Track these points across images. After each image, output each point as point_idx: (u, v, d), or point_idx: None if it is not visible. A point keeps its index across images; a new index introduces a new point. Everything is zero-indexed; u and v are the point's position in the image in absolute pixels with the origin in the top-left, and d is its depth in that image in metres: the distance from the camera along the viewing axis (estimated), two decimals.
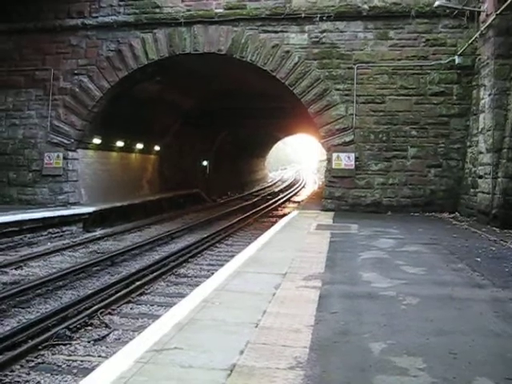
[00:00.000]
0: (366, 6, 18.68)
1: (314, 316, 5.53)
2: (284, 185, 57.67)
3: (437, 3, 16.34)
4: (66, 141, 20.72)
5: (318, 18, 19.02)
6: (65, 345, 7.83)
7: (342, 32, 18.99)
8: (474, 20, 17.19)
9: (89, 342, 8.03)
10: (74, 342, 7.95)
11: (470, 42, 17.40)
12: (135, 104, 22.96)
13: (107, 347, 7.80)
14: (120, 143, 24.41)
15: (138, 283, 11.51)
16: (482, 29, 15.95)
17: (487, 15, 15.63)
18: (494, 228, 13.90)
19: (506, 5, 14.08)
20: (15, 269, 13.23)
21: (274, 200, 36.56)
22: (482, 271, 8.13)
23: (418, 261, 9.00)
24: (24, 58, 21.34)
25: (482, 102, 15.96)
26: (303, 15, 19.08)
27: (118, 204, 22.14)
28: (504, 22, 14.73)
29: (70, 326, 8.41)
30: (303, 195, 43.86)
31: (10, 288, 10.75)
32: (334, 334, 4.97)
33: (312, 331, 5.03)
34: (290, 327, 5.15)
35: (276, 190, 50.34)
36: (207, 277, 9.17)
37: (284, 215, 20.57)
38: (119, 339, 8.18)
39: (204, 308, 5.79)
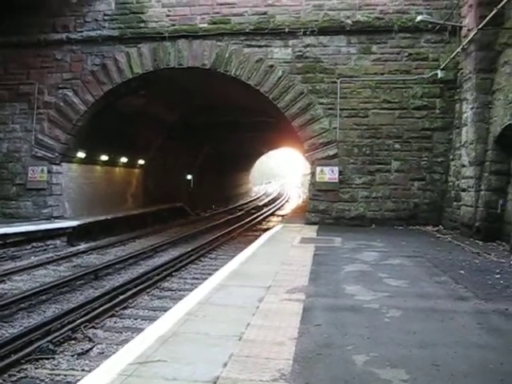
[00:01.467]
0: (349, 21, 18.86)
1: (298, 329, 5.55)
2: (268, 199, 57.73)
3: (419, 18, 16.55)
4: (50, 154, 20.63)
5: (301, 33, 19.17)
6: (48, 359, 7.77)
7: (325, 46, 19.15)
8: (456, 35, 17.40)
9: (72, 356, 7.97)
10: (57, 356, 7.89)
11: (452, 56, 17.60)
12: (119, 118, 22.94)
13: (91, 361, 7.74)
14: (104, 157, 24.35)
15: (121, 297, 11.44)
16: (464, 43, 16.15)
17: (468, 30, 15.84)
18: (478, 241, 13.99)
19: (486, 20, 14.28)
20: None
21: (258, 214, 36.59)
22: (465, 283, 8.18)
23: (402, 273, 9.04)
24: (8, 72, 21.25)
25: (465, 115, 16.12)
26: (287, 30, 19.22)
27: (102, 218, 22.04)
28: (485, 37, 14.93)
29: (54, 340, 8.36)
30: (287, 209, 43.91)
31: None
32: (318, 347, 4.98)
33: (295, 343, 5.04)
34: (273, 340, 5.16)
35: (260, 203, 50.39)
36: (191, 290, 9.11)
37: (268, 229, 20.56)
38: (103, 353, 8.12)
39: (188, 321, 5.78)
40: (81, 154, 22.20)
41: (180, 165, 34.78)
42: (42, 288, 11.92)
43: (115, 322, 10.01)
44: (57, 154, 20.71)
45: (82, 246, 19.55)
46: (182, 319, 5.85)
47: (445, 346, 5.11)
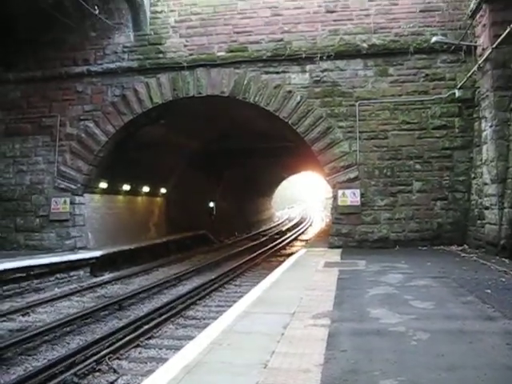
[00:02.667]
0: (365, 45, 18.95)
1: (324, 355, 5.46)
2: (291, 223, 57.50)
3: (434, 39, 16.63)
4: (72, 186, 20.83)
5: (318, 58, 19.30)
6: None
7: (342, 70, 19.23)
8: (472, 54, 17.42)
9: None
10: None
11: (468, 75, 17.58)
12: (140, 147, 23.12)
13: None
14: (126, 187, 24.52)
15: (146, 327, 11.41)
16: (480, 62, 16.13)
17: (483, 49, 15.85)
18: (504, 259, 13.79)
19: (500, 39, 14.33)
20: (22, 315, 13.18)
21: (281, 239, 36.45)
22: (492, 303, 8.04)
23: (428, 295, 8.91)
24: (31, 106, 21.62)
25: (484, 133, 16.03)
26: (304, 55, 19.37)
27: (125, 247, 22.11)
28: (500, 56, 14.92)
29: (78, 373, 8.36)
30: (311, 233, 43.75)
31: (17, 335, 10.66)
32: (344, 373, 4.90)
33: (321, 370, 4.97)
34: (299, 367, 5.09)
35: (283, 228, 50.17)
36: (216, 318, 9.06)
37: (292, 254, 20.46)
38: None
39: (212, 350, 5.74)
40: (103, 185, 22.40)
41: (202, 192, 34.88)
42: (65, 320, 11.93)
43: (140, 353, 9.98)
44: (79, 185, 20.91)
45: (106, 277, 19.63)
46: (207, 348, 5.80)
47: (474, 369, 5.00)
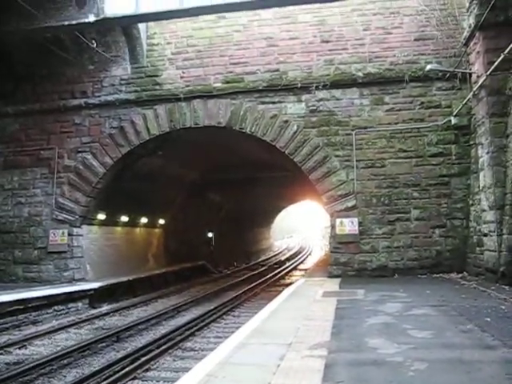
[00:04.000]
0: (360, 74, 19.11)
1: None
2: (290, 253, 57.39)
3: (429, 67, 16.79)
4: (70, 217, 20.84)
5: (314, 88, 19.45)
6: None
7: (338, 99, 19.36)
8: (467, 81, 17.53)
9: None
10: None
11: (464, 102, 17.71)
12: (138, 179, 23.19)
13: None
14: (124, 218, 24.51)
15: (143, 359, 11.29)
16: (475, 89, 16.27)
17: (478, 76, 16.00)
18: (503, 286, 13.72)
19: (494, 65, 14.49)
20: (19, 348, 13.07)
21: (280, 269, 36.31)
22: (492, 331, 7.97)
23: (426, 324, 8.84)
24: (29, 139, 21.78)
25: (481, 160, 16.07)
26: (299, 85, 19.53)
27: (124, 279, 21.99)
28: (495, 82, 15.05)
29: None
30: (310, 262, 43.58)
31: (13, 368, 10.55)
32: None
33: None
34: None
35: (282, 258, 50.05)
36: (214, 350, 9.02)
37: (291, 283, 20.36)
38: None
39: (208, 382, 5.68)
40: (101, 216, 22.39)
41: (200, 223, 34.87)
42: (62, 352, 11.82)
43: None
44: (77, 217, 20.91)
45: (104, 308, 19.49)
46: (202, 380, 5.74)
47: None
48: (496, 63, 14.37)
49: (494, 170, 15.00)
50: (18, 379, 9.98)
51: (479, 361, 6.32)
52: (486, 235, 15.66)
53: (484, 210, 15.85)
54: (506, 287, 13.50)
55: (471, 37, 16.48)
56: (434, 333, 8.06)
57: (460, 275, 17.19)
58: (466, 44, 17.08)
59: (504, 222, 14.50)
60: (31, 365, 10.67)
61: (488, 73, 14.92)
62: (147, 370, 10.82)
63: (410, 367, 6.09)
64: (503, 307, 10.47)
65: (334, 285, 16.01)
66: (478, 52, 15.90)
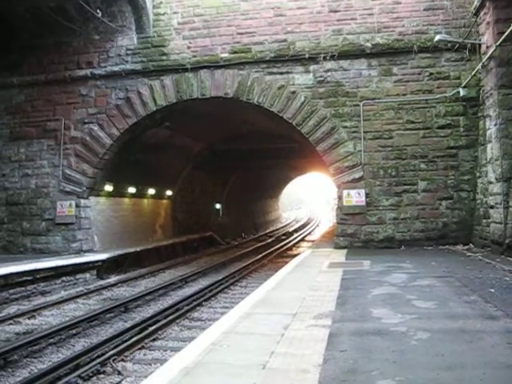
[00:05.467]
0: (368, 44, 18.94)
1: (323, 355, 5.45)
2: (298, 224, 57.52)
3: (438, 38, 16.54)
4: (78, 189, 20.91)
5: (321, 58, 19.30)
6: None
7: (346, 70, 19.23)
8: (476, 52, 17.32)
9: None
10: None
11: (473, 73, 17.56)
12: (145, 150, 23.21)
13: None
14: (132, 189, 24.57)
15: (151, 329, 11.42)
16: (484, 60, 16.08)
17: (487, 47, 15.78)
18: (509, 258, 13.74)
19: (504, 36, 14.28)
20: (28, 318, 13.20)
21: (288, 240, 36.49)
22: (495, 302, 8.01)
23: (431, 295, 8.88)
24: (35, 110, 21.74)
25: (489, 132, 15.97)
26: (307, 56, 19.37)
27: (132, 250, 22.12)
28: (504, 53, 14.87)
29: (82, 375, 8.36)
30: (317, 234, 43.69)
31: (23, 338, 10.68)
32: (342, 373, 4.89)
33: (320, 371, 4.96)
34: (297, 367, 5.08)
35: (290, 229, 50.18)
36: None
37: (298, 255, 20.46)
38: None
39: (212, 351, 5.74)
40: (108, 187, 22.46)
41: (208, 194, 34.96)
42: (71, 322, 11.96)
43: (145, 355, 9.98)
44: (84, 188, 20.98)
45: (112, 279, 19.65)
46: (207, 349, 5.81)
47: (473, 368, 4.98)
48: (506, 33, 14.13)
49: (502, 142, 14.90)
50: (28, 348, 10.10)
51: (481, 331, 6.36)
52: (492, 207, 15.64)
53: (491, 182, 15.80)
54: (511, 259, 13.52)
55: (481, 6, 16.22)
56: (438, 303, 8.10)
57: (466, 247, 17.23)
58: (476, 14, 16.83)
59: (510, 194, 14.47)
60: (40, 334, 10.80)
61: (498, 43, 14.71)
62: (155, 340, 10.95)
63: (412, 337, 6.14)
64: (507, 279, 10.50)
65: (340, 256, 16.08)
66: (488, 22, 15.67)
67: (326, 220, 63.50)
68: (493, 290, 9.12)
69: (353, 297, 8.89)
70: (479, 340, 5.95)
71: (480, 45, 16.78)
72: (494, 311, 7.45)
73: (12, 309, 14.36)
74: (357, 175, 18.75)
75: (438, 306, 7.95)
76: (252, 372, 4.97)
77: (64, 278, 17.86)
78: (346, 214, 18.77)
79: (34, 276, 16.38)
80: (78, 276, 18.57)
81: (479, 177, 17.58)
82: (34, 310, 13.88)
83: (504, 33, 14.27)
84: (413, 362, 5.22)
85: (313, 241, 34.37)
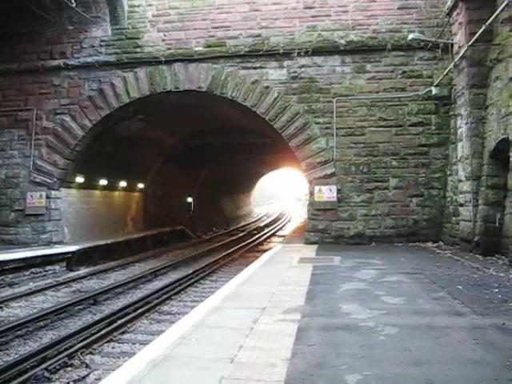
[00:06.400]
0: (342, 41, 19.02)
1: (291, 349, 5.47)
2: (270, 219, 57.64)
3: (411, 36, 16.69)
4: (48, 180, 20.65)
5: (296, 54, 19.33)
6: None
7: (320, 67, 19.29)
8: (448, 52, 17.55)
9: (68, 383, 7.91)
10: None
11: (445, 73, 17.78)
12: (118, 142, 23.02)
13: None
14: (103, 181, 24.37)
15: (120, 322, 11.38)
16: (456, 60, 16.31)
17: (460, 47, 16.02)
18: (477, 255, 13.95)
19: (476, 37, 14.53)
20: None
21: (259, 235, 36.53)
22: (462, 299, 8.11)
23: (399, 291, 8.96)
24: (7, 99, 21.39)
25: (460, 130, 16.18)
26: (281, 51, 19.38)
27: (102, 242, 21.97)
28: (476, 54, 15.08)
29: (49, 367, 8.30)
30: (289, 229, 43.77)
31: None
32: (310, 367, 4.92)
33: (288, 365, 4.98)
34: (265, 361, 5.10)
35: (261, 224, 50.29)
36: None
37: (269, 249, 20.50)
38: (99, 379, 8.01)
39: (180, 344, 5.73)
40: (79, 179, 22.23)
41: (180, 187, 34.81)
42: (39, 314, 11.84)
43: (113, 348, 9.95)
44: (55, 180, 20.74)
45: (82, 271, 19.50)
46: (175, 342, 5.80)
47: (440, 364, 5.04)
48: (477, 34, 14.41)
49: (472, 140, 15.10)
50: None
51: (448, 327, 6.44)
52: (462, 205, 15.85)
53: (461, 181, 16.01)
54: (480, 257, 13.72)
55: (454, 7, 16.45)
56: (406, 299, 8.19)
57: (436, 244, 17.44)
58: (449, 14, 17.05)
59: (480, 192, 14.68)
60: (7, 326, 10.68)
61: (469, 44, 14.95)
62: (124, 333, 10.92)
63: (381, 332, 6.20)
64: (475, 276, 10.65)
65: (310, 251, 16.14)
66: (461, 23, 15.89)
67: (297, 215, 63.67)
68: (461, 287, 9.23)
69: (322, 292, 8.93)
70: (446, 336, 6.02)
71: (452, 44, 17.01)
72: (462, 308, 7.54)
73: None
74: (329, 171, 18.83)
75: (406, 301, 8.03)
76: (220, 365, 4.97)
77: (33, 270, 17.70)
78: (317, 210, 18.86)
79: (2, 267, 16.19)
80: (47, 268, 18.40)
81: (449, 175, 17.79)
82: (1, 302, 13.70)
83: (476, 33, 14.53)
84: (380, 357, 5.26)
85: (284, 236, 34.44)
